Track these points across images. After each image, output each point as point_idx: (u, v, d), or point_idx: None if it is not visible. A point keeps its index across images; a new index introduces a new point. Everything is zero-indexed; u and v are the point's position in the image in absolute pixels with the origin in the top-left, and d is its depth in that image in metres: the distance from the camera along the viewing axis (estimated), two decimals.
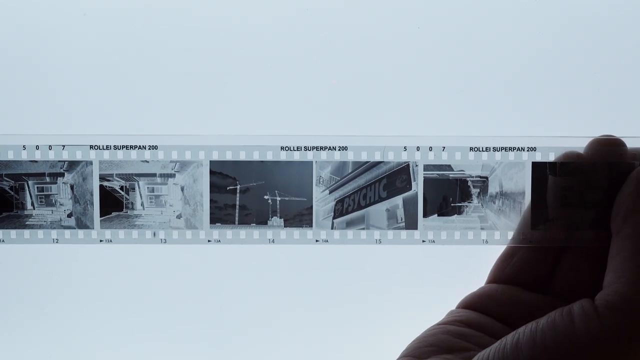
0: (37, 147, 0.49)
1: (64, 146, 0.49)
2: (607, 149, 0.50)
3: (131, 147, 0.50)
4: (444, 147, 0.51)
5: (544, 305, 0.49)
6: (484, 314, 0.51)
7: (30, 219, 0.50)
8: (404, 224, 0.51)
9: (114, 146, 0.50)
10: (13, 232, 0.50)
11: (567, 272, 0.50)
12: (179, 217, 0.50)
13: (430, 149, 0.51)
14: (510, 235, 0.51)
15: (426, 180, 0.51)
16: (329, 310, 0.72)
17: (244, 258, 0.71)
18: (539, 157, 0.51)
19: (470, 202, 0.51)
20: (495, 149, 0.51)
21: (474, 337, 0.49)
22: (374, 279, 0.71)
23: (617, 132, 0.51)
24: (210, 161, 0.50)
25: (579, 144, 0.50)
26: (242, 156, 0.50)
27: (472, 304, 0.51)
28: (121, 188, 0.50)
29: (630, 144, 0.50)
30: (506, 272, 0.51)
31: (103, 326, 0.73)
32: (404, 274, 0.71)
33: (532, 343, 0.43)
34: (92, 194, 0.50)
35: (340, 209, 0.51)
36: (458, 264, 0.69)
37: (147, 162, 0.50)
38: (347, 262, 0.71)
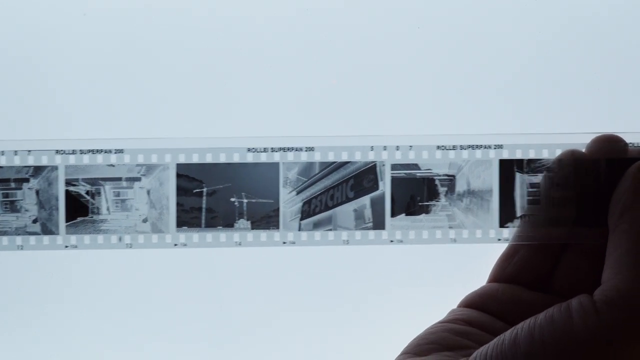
0: (2, 153, 0.49)
1: (29, 151, 0.50)
2: (608, 146, 0.50)
3: (97, 151, 0.50)
4: (411, 146, 0.50)
5: (545, 304, 0.48)
6: (485, 313, 0.51)
7: None
8: (371, 224, 0.51)
9: (80, 150, 0.50)
10: None
11: (568, 270, 0.50)
12: (145, 221, 0.50)
13: (397, 148, 0.50)
14: (478, 233, 0.51)
15: (393, 180, 0.51)
16: (329, 310, 0.72)
17: (244, 259, 0.71)
18: (506, 155, 0.50)
19: (437, 201, 0.51)
20: (462, 147, 0.51)
21: (475, 335, 0.49)
22: (373, 279, 0.71)
23: (597, 128, 0.50)
24: (177, 164, 0.50)
25: (546, 140, 0.50)
26: (209, 158, 0.50)
27: (473, 302, 0.51)
28: (87, 193, 0.50)
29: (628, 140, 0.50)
30: (507, 271, 0.51)
31: (101, 326, 0.73)
32: (404, 274, 0.71)
33: (530, 338, 0.43)
34: (57, 199, 0.50)
35: (308, 210, 0.51)
36: (458, 263, 0.69)
37: (113, 166, 0.50)
38: (347, 262, 0.71)
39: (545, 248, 0.51)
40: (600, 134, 0.50)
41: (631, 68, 0.68)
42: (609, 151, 0.49)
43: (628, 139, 0.50)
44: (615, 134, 0.50)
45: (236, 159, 0.50)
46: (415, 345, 0.48)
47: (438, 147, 0.50)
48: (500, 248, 0.52)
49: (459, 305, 0.52)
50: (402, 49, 0.65)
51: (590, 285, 0.47)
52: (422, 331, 0.50)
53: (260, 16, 0.67)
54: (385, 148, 0.50)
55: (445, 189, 0.51)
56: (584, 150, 0.50)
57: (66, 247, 0.50)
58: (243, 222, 0.50)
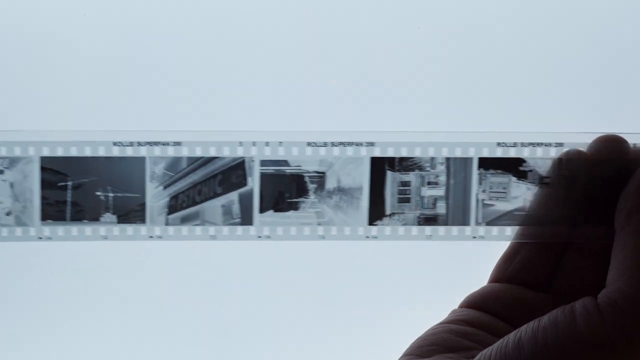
0: None
1: None
2: (610, 146, 0.49)
3: None
4: (281, 142, 0.50)
5: (547, 304, 0.48)
6: (486, 313, 0.50)
7: None
8: (239, 219, 0.50)
9: None
10: None
11: (569, 270, 0.50)
12: (8, 214, 0.49)
13: (267, 144, 0.50)
14: (347, 230, 0.50)
15: (262, 176, 0.50)
16: (331, 310, 0.71)
17: (244, 258, 0.70)
18: (377, 153, 0.50)
19: (307, 198, 0.50)
20: (333, 144, 0.50)
21: (476, 336, 0.48)
22: (375, 279, 0.71)
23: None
24: (41, 157, 0.49)
25: (417, 139, 0.50)
26: (74, 152, 0.49)
27: (475, 303, 0.51)
28: None
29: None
30: (508, 271, 0.51)
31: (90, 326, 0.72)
32: (406, 273, 0.70)
33: (533, 341, 0.43)
34: None
35: (175, 205, 0.50)
36: (460, 263, 0.68)
37: None
38: (347, 261, 0.70)
39: (547, 248, 0.50)
40: (603, 134, 0.49)
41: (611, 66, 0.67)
42: (611, 152, 0.49)
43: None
44: (618, 134, 0.49)
45: (102, 152, 0.49)
46: (417, 346, 0.48)
47: (308, 144, 0.50)
48: (492, 247, 0.52)
49: (460, 306, 0.52)
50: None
51: (592, 285, 0.48)
52: (423, 332, 0.49)
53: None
54: (254, 144, 0.50)
55: (315, 185, 0.50)
56: (586, 150, 0.50)
57: None
58: (109, 216, 0.50)
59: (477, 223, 0.51)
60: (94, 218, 0.50)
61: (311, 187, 0.50)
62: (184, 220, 0.50)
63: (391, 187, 0.50)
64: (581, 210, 0.50)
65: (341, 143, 0.50)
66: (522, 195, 0.50)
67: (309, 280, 0.71)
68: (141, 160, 0.50)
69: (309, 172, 0.50)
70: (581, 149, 0.50)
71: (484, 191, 0.50)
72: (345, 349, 0.72)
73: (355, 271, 0.71)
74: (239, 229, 0.50)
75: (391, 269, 0.70)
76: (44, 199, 0.49)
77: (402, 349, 0.48)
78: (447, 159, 0.50)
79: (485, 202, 0.50)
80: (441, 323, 0.50)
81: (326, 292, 0.71)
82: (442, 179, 0.50)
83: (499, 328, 0.49)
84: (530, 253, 0.51)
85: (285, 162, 0.50)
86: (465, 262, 0.66)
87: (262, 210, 0.50)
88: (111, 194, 0.50)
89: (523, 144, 0.50)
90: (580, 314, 0.43)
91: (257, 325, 0.72)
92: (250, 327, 0.72)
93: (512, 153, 0.50)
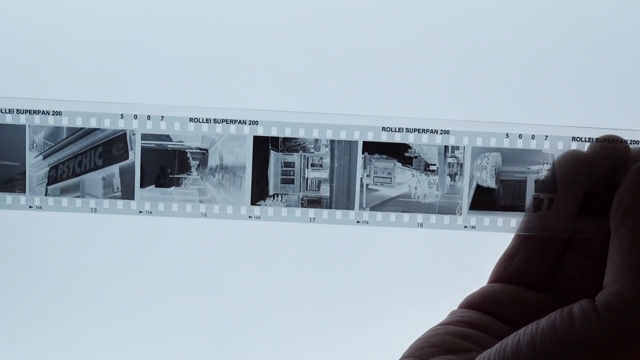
0: None
1: None
2: (609, 146, 0.49)
3: None
4: (163, 117, 0.49)
5: (547, 305, 0.48)
6: (486, 314, 0.50)
7: None
8: (120, 193, 0.50)
9: None
10: None
11: (569, 270, 0.50)
12: None
13: (149, 117, 0.49)
14: (229, 209, 0.50)
15: (144, 150, 0.49)
16: (330, 310, 0.71)
17: (245, 257, 0.69)
18: (260, 132, 0.49)
19: (189, 174, 0.50)
20: (216, 121, 0.49)
21: (476, 338, 0.48)
22: (375, 279, 0.70)
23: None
24: None
25: (301, 119, 0.49)
26: None
27: (474, 303, 0.51)
28: None
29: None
30: (508, 271, 0.51)
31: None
32: (405, 273, 0.70)
33: (532, 344, 0.43)
34: None
35: (55, 176, 0.50)
36: (459, 263, 0.68)
37: None
38: (347, 260, 0.69)
39: (546, 248, 0.50)
40: (602, 134, 0.49)
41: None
42: (611, 151, 0.49)
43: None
44: (615, 134, 0.49)
45: None
46: (417, 348, 0.48)
47: (191, 119, 0.49)
48: (492, 247, 0.51)
49: (460, 306, 0.51)
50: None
51: (591, 285, 0.47)
52: (423, 333, 0.49)
53: None
54: (135, 117, 0.49)
55: (197, 162, 0.49)
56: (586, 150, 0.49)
57: None
58: None
59: (361, 207, 0.50)
60: None
61: (193, 163, 0.49)
62: (64, 192, 0.50)
63: (274, 167, 0.49)
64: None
65: (224, 120, 0.49)
66: (407, 181, 0.49)
67: (308, 280, 0.70)
68: (21, 129, 0.49)
69: (192, 148, 0.49)
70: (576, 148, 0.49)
71: (368, 175, 0.49)
72: (344, 349, 0.72)
73: (354, 271, 0.70)
74: (120, 203, 0.50)
75: (391, 268, 0.70)
76: None
77: (402, 350, 0.48)
78: (332, 142, 0.49)
79: (370, 186, 0.49)
80: (441, 324, 0.50)
81: (325, 292, 0.71)
82: (327, 161, 0.49)
83: (498, 329, 0.49)
84: (530, 253, 0.50)
85: (167, 137, 0.49)
86: (466, 262, 0.66)
87: (143, 184, 0.50)
88: None
89: (408, 130, 0.49)
90: (578, 317, 0.43)
91: (257, 325, 0.72)
92: (249, 326, 0.72)
93: (397, 138, 0.49)
